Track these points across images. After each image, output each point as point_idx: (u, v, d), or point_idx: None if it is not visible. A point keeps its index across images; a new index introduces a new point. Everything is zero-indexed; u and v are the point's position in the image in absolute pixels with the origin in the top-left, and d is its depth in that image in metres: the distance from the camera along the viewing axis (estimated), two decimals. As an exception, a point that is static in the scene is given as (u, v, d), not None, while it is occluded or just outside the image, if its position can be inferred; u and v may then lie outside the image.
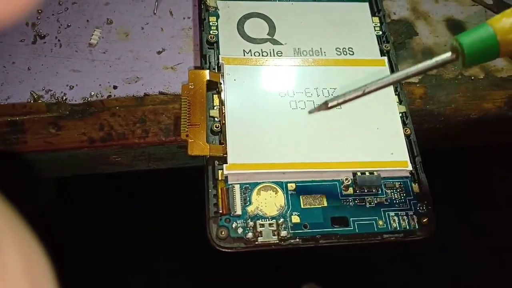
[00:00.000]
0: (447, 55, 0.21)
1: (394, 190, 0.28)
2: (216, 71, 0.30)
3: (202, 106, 0.28)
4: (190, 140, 0.27)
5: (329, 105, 0.23)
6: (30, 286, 0.10)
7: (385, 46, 0.32)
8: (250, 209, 0.26)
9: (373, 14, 0.34)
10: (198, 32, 0.33)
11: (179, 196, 0.44)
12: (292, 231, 0.26)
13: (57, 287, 0.11)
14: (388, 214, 0.27)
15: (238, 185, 0.27)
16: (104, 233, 0.43)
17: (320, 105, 0.23)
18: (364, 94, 0.22)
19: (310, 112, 0.24)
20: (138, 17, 0.34)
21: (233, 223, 0.26)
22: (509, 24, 0.20)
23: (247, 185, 0.27)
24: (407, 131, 0.29)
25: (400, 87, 0.31)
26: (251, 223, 0.26)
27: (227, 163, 0.27)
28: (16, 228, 0.11)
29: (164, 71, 0.32)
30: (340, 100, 0.22)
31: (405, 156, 0.28)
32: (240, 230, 0.26)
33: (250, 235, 0.25)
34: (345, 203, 0.27)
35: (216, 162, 0.27)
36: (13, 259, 0.10)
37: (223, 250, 0.25)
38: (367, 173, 0.28)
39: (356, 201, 0.28)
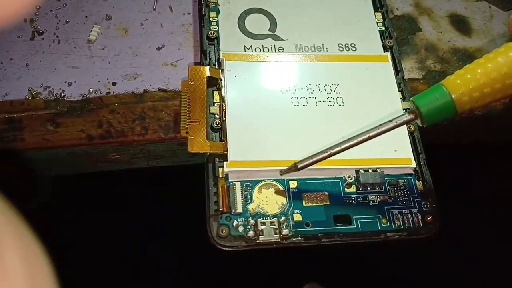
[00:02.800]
0: (406, 116, 0.22)
1: (398, 188, 0.28)
2: (217, 67, 0.29)
3: (202, 103, 0.28)
4: (190, 137, 0.26)
5: (299, 166, 0.24)
6: (30, 285, 0.10)
7: (388, 42, 0.32)
8: (251, 207, 0.26)
9: (376, 9, 0.34)
10: (198, 28, 0.32)
11: (179, 194, 0.44)
12: (294, 230, 0.26)
13: (56, 286, 0.11)
14: (392, 212, 0.27)
15: (239, 182, 0.26)
16: (103, 231, 0.43)
17: (290, 167, 0.25)
18: (330, 155, 0.24)
19: (281, 173, 0.26)
20: (137, 13, 0.33)
21: (234, 221, 0.25)
22: (463, 83, 0.21)
23: (248, 183, 0.27)
24: (410, 128, 0.29)
25: (403, 83, 0.31)
26: (252, 221, 0.25)
27: (227, 161, 0.26)
28: (16, 226, 0.11)
29: (164, 68, 0.32)
30: (309, 162, 0.24)
31: (409, 153, 0.28)
32: (241, 229, 0.25)
33: (251, 233, 0.25)
34: (347, 201, 0.27)
35: (217, 160, 0.27)
36: (13, 258, 0.10)
37: (224, 248, 0.25)
38: (370, 171, 0.27)
39: (359, 199, 0.27)
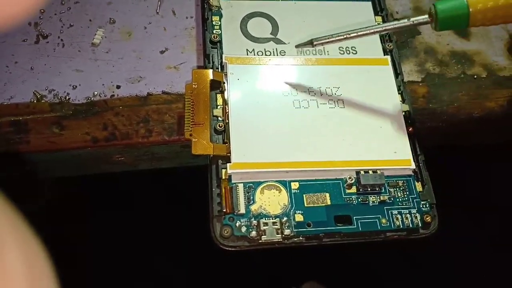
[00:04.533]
0: (424, 17, 0.24)
1: (397, 189, 0.28)
2: (220, 70, 0.30)
3: (206, 106, 0.28)
4: (193, 139, 0.27)
5: (314, 43, 0.27)
6: (30, 286, 0.10)
7: (388, 45, 0.33)
8: (253, 208, 0.26)
9: (376, 13, 0.34)
10: (201, 31, 0.33)
11: (182, 195, 0.44)
12: (296, 230, 0.26)
13: (57, 287, 0.11)
14: (391, 213, 0.27)
15: (242, 184, 0.27)
16: (107, 232, 0.43)
17: (306, 42, 0.28)
18: (345, 38, 0.26)
19: (297, 46, 0.29)
20: (140, 17, 0.34)
21: (236, 222, 0.26)
22: (482, 1, 0.22)
23: (251, 184, 0.27)
24: (410, 130, 0.29)
25: (403, 86, 0.31)
26: (255, 222, 0.26)
27: (230, 162, 0.27)
28: (18, 228, 0.11)
29: (167, 71, 0.32)
30: (324, 41, 0.27)
31: (408, 155, 0.28)
32: (243, 229, 0.26)
33: (253, 233, 0.25)
34: (348, 201, 0.27)
35: (220, 161, 0.27)
36: (14, 259, 0.10)
37: (227, 248, 0.26)
38: (370, 172, 0.28)
39: (359, 200, 0.28)
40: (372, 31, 0.26)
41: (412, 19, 0.24)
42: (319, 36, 0.27)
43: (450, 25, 0.23)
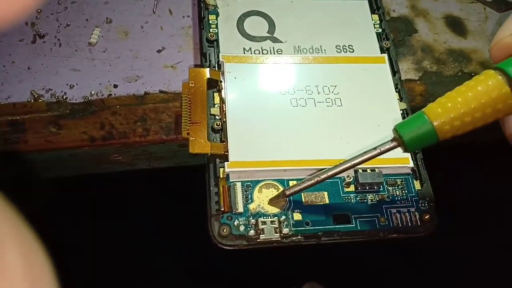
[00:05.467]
0: (389, 143, 0.23)
1: (396, 187, 0.28)
2: (217, 69, 0.30)
3: (203, 104, 0.28)
4: (191, 138, 0.27)
5: (287, 193, 0.26)
6: (30, 285, 0.10)
7: (385, 44, 0.33)
8: (251, 206, 0.26)
9: (372, 11, 0.34)
10: (197, 30, 0.33)
11: (180, 194, 0.44)
12: (294, 229, 0.26)
13: (57, 287, 0.11)
14: (390, 211, 0.27)
15: (240, 182, 0.27)
16: (105, 232, 0.43)
17: (279, 194, 0.26)
18: (317, 182, 0.25)
19: (270, 200, 0.27)
20: (137, 16, 0.34)
21: (235, 221, 0.26)
22: (443, 112, 0.21)
23: (249, 183, 0.27)
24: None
25: (400, 84, 0.31)
26: (253, 221, 0.26)
27: (228, 161, 0.27)
28: (17, 228, 0.11)
29: (164, 70, 0.32)
30: (296, 189, 0.25)
31: (407, 153, 0.28)
32: (242, 228, 0.26)
33: (252, 232, 0.25)
34: (346, 200, 0.27)
35: (218, 160, 0.27)
36: (14, 259, 0.10)
37: (225, 247, 0.25)
38: (368, 170, 0.28)
39: (357, 198, 0.28)
40: (341, 168, 0.24)
41: (378, 147, 0.23)
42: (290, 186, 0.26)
43: (419, 144, 0.22)
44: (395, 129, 0.23)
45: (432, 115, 0.21)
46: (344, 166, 0.24)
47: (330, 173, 0.25)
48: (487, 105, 0.21)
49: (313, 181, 0.25)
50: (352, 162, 0.24)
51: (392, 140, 0.23)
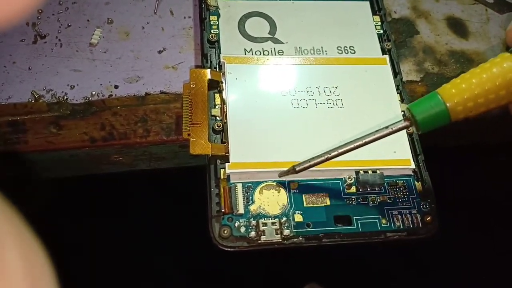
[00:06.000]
0: (401, 123, 0.23)
1: (397, 189, 0.28)
2: (217, 70, 0.30)
3: (204, 105, 0.28)
4: (192, 139, 0.27)
5: (297, 169, 0.25)
6: (30, 286, 0.10)
7: (386, 45, 0.32)
8: (252, 208, 0.26)
9: (374, 13, 0.34)
10: (198, 31, 0.33)
11: (180, 195, 0.44)
12: (295, 230, 0.26)
13: (57, 287, 0.11)
14: (391, 213, 0.27)
15: (241, 184, 0.27)
16: (105, 233, 0.43)
17: (289, 169, 0.26)
18: (327, 159, 0.25)
19: (280, 175, 0.27)
20: (138, 17, 0.34)
21: (235, 222, 0.26)
22: (457, 93, 0.21)
23: (250, 184, 0.27)
24: (409, 129, 0.29)
25: (401, 85, 0.31)
26: (254, 222, 0.26)
27: (229, 162, 0.27)
28: (17, 228, 0.11)
29: (165, 71, 0.32)
30: (307, 165, 0.25)
31: (408, 154, 0.28)
32: (242, 229, 0.26)
33: (252, 234, 0.25)
34: (348, 201, 0.27)
35: (218, 161, 0.27)
36: (14, 260, 0.10)
37: (226, 249, 0.25)
38: (370, 172, 0.28)
39: (359, 200, 0.27)
40: (353, 146, 0.24)
41: (390, 126, 0.23)
42: (301, 160, 0.26)
43: (431, 124, 0.22)
44: (408, 109, 0.22)
45: (446, 96, 0.21)
46: (355, 144, 0.24)
47: (341, 150, 0.24)
48: (501, 87, 0.21)
49: (323, 157, 0.25)
50: (364, 140, 0.24)
51: (404, 120, 0.23)
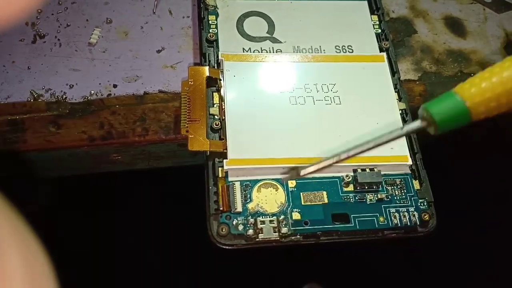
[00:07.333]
0: (417, 124, 0.21)
1: (395, 187, 0.28)
2: (216, 68, 0.30)
3: (202, 102, 0.28)
4: (190, 136, 0.27)
5: (301, 173, 0.23)
6: (30, 286, 0.10)
7: (384, 44, 0.33)
8: (250, 206, 0.26)
9: (372, 12, 0.34)
10: (197, 31, 0.33)
11: (179, 194, 0.44)
12: (293, 228, 0.26)
13: (57, 287, 0.11)
14: (389, 211, 0.27)
15: (239, 182, 0.27)
16: (104, 232, 0.43)
17: (292, 173, 0.23)
18: (336, 162, 0.22)
19: (283, 180, 0.26)
20: (137, 17, 0.34)
21: (233, 220, 0.26)
22: (478, 93, 0.20)
23: (248, 182, 0.27)
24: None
25: (399, 84, 0.31)
26: (252, 220, 0.26)
27: (227, 159, 0.27)
28: (17, 227, 0.11)
29: (164, 70, 0.32)
30: (311, 169, 0.23)
31: (405, 151, 0.28)
32: (240, 227, 0.26)
33: (250, 232, 0.25)
34: (345, 199, 0.27)
35: (217, 160, 0.27)
36: (13, 259, 0.10)
37: (224, 247, 0.25)
38: (367, 170, 0.28)
39: (356, 198, 0.27)
40: (364, 148, 0.22)
41: (406, 127, 0.22)
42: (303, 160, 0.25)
43: (450, 124, 0.21)
44: (425, 109, 0.21)
45: (465, 95, 0.20)
46: (368, 146, 0.22)
47: (352, 153, 0.22)
48: None
49: (333, 160, 0.22)
50: (376, 142, 0.22)
51: (421, 120, 0.21)
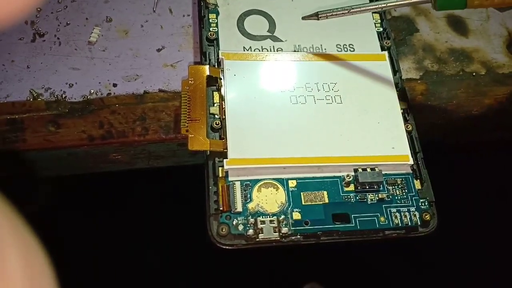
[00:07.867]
0: None
1: (396, 187, 0.28)
2: (216, 67, 0.30)
3: (202, 101, 0.28)
4: (190, 135, 0.27)
5: (319, 16, 0.29)
6: (30, 286, 0.10)
7: (385, 43, 0.32)
8: (250, 206, 0.26)
9: (373, 10, 0.34)
10: (197, 29, 0.33)
11: (179, 194, 0.44)
12: (293, 228, 0.26)
13: (57, 287, 0.11)
14: (390, 211, 0.27)
15: (239, 182, 0.27)
16: (104, 231, 0.43)
17: (312, 14, 0.29)
18: (348, 12, 0.28)
19: (303, 18, 0.30)
20: (137, 15, 0.34)
21: (233, 220, 0.26)
22: None
23: (248, 182, 0.27)
24: (408, 127, 0.29)
25: (401, 83, 0.31)
26: (252, 220, 0.26)
27: (227, 158, 0.26)
28: (16, 227, 0.11)
29: (164, 69, 0.32)
30: (328, 14, 0.28)
31: (406, 150, 0.28)
32: (240, 227, 0.25)
33: (251, 232, 0.25)
34: (346, 199, 0.27)
35: (217, 159, 0.27)
36: (13, 259, 0.10)
37: (224, 247, 0.25)
38: (368, 169, 0.28)
39: (357, 198, 0.27)
40: (374, 7, 0.28)
41: None
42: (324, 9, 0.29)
43: (448, 5, 0.25)
44: None
45: None
46: (378, 5, 0.28)
47: (363, 8, 0.28)
48: None
49: (346, 11, 0.28)
50: (386, 4, 0.27)
51: None
